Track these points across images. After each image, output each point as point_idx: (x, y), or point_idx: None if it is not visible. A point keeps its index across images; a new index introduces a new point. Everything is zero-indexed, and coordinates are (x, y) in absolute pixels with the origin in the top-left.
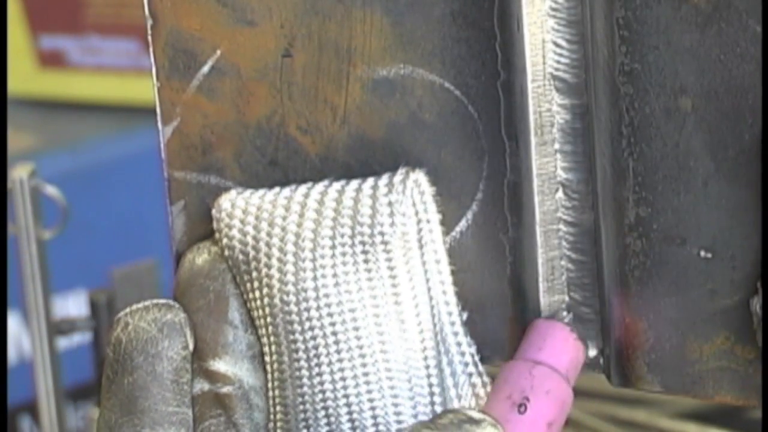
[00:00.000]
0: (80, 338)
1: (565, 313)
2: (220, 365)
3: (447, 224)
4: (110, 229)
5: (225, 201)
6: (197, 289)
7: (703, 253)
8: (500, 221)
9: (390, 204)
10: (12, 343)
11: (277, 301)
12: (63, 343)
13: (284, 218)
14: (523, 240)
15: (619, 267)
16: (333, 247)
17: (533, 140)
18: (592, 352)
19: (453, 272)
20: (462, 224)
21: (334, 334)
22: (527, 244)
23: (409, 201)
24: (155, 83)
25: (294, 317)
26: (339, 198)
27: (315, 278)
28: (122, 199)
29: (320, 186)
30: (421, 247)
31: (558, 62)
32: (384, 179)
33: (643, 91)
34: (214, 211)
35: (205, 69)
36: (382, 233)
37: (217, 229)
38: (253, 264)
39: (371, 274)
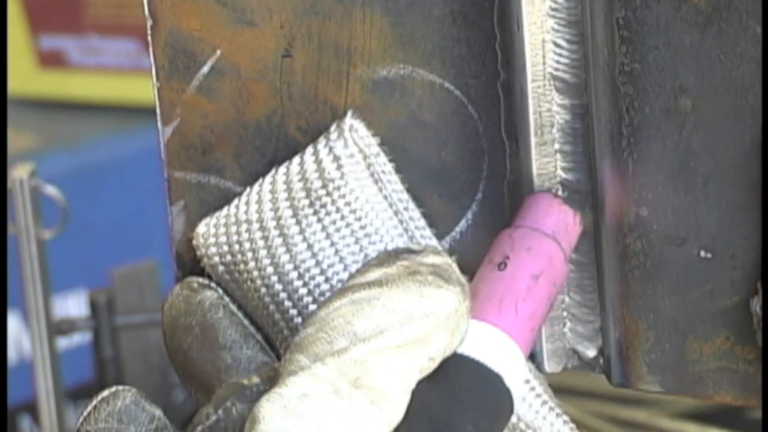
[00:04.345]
0: (80, 338)
1: (558, 189)
2: None
3: (447, 224)
4: (110, 229)
5: (201, 226)
6: (181, 329)
7: (703, 253)
8: (500, 221)
9: (331, 150)
10: (12, 343)
11: (263, 290)
12: (63, 343)
13: (246, 212)
14: None
15: (619, 267)
16: (294, 215)
17: (533, 140)
18: (592, 352)
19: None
20: (462, 224)
21: (322, 294)
22: None
23: (349, 141)
24: (155, 83)
25: (282, 296)
26: (287, 172)
27: (288, 251)
28: (122, 199)
29: (270, 173)
30: (376, 182)
31: (558, 62)
32: (321, 138)
33: (643, 91)
34: (194, 242)
35: (205, 69)
36: (332, 180)
37: (200, 256)
38: (234, 269)
39: (337, 225)
